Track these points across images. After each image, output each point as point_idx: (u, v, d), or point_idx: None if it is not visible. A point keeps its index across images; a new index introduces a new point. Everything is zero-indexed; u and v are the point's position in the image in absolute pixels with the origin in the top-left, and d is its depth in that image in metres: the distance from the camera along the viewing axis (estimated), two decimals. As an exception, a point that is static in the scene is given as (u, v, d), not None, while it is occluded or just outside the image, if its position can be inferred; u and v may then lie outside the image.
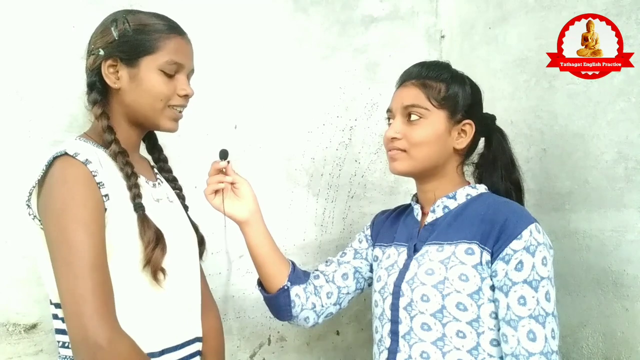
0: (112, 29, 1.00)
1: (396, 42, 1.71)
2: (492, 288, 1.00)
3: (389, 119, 1.15)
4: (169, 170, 1.19)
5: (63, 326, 0.92)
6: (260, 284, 1.21)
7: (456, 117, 1.09)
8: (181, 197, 1.17)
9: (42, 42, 1.24)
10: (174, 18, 1.07)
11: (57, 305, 0.94)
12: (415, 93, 1.09)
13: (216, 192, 1.15)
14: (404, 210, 1.23)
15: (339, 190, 1.63)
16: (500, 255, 0.98)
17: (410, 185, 1.65)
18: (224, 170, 1.13)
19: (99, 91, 1.01)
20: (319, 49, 1.60)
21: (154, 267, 0.94)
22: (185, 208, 1.17)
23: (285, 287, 1.15)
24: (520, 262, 0.96)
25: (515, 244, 0.97)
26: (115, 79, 1.00)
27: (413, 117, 1.08)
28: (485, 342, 0.99)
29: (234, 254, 1.46)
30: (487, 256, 1.00)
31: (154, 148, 1.19)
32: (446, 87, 1.09)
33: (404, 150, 1.08)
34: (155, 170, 1.16)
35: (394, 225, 1.21)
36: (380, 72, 1.68)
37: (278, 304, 1.16)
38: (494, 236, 1.00)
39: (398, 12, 1.71)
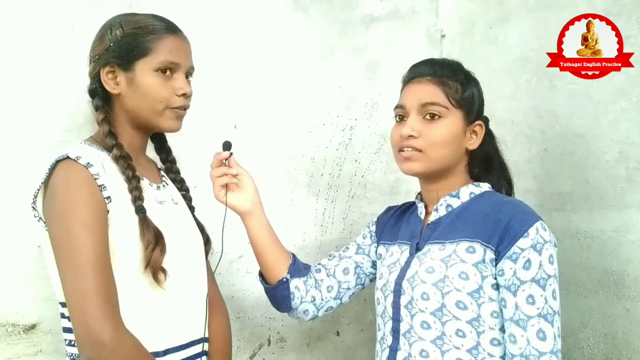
0: (107, 35, 1.01)
1: (396, 42, 1.70)
2: (495, 287, 0.99)
3: (399, 116, 1.11)
4: (177, 172, 1.19)
5: (70, 324, 0.94)
6: (261, 275, 1.21)
7: (470, 118, 1.08)
8: (188, 199, 1.18)
9: (42, 42, 1.24)
10: (174, 18, 1.07)
11: (64, 304, 0.96)
12: (434, 90, 1.06)
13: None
14: (408, 208, 1.22)
15: (339, 190, 1.63)
16: (508, 254, 0.97)
17: (410, 185, 1.65)
18: (225, 162, 1.13)
19: (101, 97, 1.02)
20: (319, 48, 1.60)
21: (153, 267, 0.95)
22: (192, 209, 1.17)
23: (285, 279, 1.16)
24: (528, 260, 0.95)
25: (522, 242, 0.96)
26: (115, 84, 1.01)
27: (434, 116, 1.05)
28: (485, 341, 0.99)
29: (234, 254, 1.46)
30: (490, 254, 0.99)
31: (162, 149, 1.19)
32: (463, 87, 1.07)
33: (420, 150, 1.05)
34: (162, 173, 1.16)
35: (398, 223, 1.20)
36: (381, 72, 1.67)
37: (277, 295, 1.17)
38: (499, 234, 0.98)
39: (398, 12, 1.71)
